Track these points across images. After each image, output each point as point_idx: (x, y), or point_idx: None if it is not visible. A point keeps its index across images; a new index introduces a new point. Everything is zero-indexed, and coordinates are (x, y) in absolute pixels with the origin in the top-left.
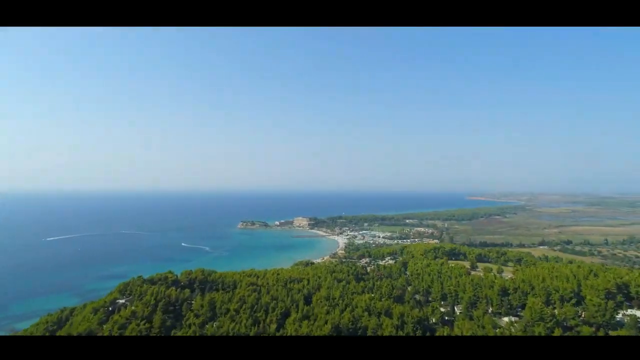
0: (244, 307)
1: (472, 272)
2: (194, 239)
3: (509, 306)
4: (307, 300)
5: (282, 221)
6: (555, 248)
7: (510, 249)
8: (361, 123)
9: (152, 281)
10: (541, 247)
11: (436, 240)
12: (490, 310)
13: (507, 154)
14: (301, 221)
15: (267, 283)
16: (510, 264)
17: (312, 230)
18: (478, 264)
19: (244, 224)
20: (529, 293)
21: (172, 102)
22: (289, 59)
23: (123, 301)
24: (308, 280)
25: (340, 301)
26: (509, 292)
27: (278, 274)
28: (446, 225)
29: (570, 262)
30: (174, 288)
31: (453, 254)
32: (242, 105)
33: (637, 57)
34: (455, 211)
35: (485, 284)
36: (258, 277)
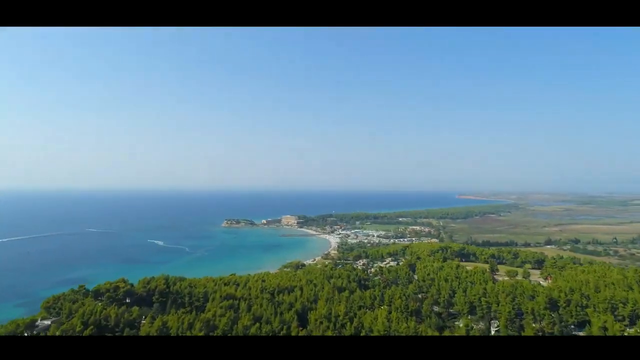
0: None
1: (494, 277)
2: (173, 238)
3: (562, 323)
4: (302, 319)
5: (269, 219)
6: (564, 247)
7: (520, 249)
8: (349, 123)
9: (97, 293)
10: (548, 246)
11: (435, 239)
12: (537, 328)
13: (494, 154)
14: (289, 219)
15: (249, 295)
16: (527, 265)
17: (301, 229)
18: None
19: (229, 222)
20: (586, 306)
21: (162, 101)
22: (280, 59)
23: (49, 322)
24: (301, 290)
25: (347, 321)
26: (558, 304)
27: (263, 281)
28: (441, 224)
29: (590, 263)
30: (115, 306)
31: (463, 255)
32: (230, 103)
33: (628, 57)
34: (448, 209)
35: (522, 293)
36: (238, 285)
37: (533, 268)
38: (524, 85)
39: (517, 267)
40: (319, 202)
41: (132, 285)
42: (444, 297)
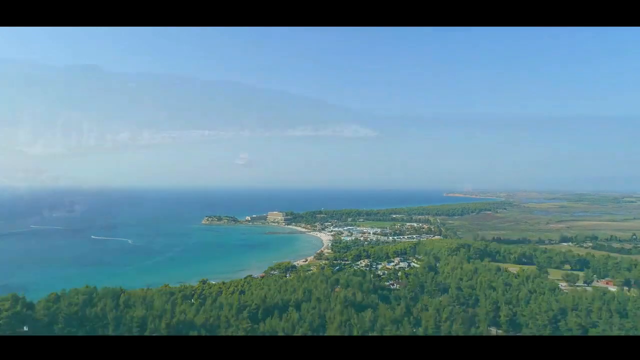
0: None
1: (551, 282)
2: (145, 235)
3: None
4: None
5: (254, 216)
6: (584, 245)
7: (548, 247)
8: (336, 122)
9: None
10: (564, 243)
11: (438, 236)
12: None
13: (477, 153)
14: (276, 216)
15: (217, 320)
16: (567, 266)
17: (289, 226)
18: (524, 266)
19: (209, 219)
20: None
21: (150, 99)
22: (271, 56)
23: None
24: (298, 309)
25: None
26: None
27: (242, 293)
28: (439, 221)
29: (635, 265)
30: None
31: (486, 254)
32: (219, 101)
33: (615, 57)
34: (442, 207)
35: (626, 310)
36: (204, 300)
37: (573, 269)
38: (512, 84)
39: (554, 268)
40: (304, 200)
41: (29, 305)
42: (505, 315)
